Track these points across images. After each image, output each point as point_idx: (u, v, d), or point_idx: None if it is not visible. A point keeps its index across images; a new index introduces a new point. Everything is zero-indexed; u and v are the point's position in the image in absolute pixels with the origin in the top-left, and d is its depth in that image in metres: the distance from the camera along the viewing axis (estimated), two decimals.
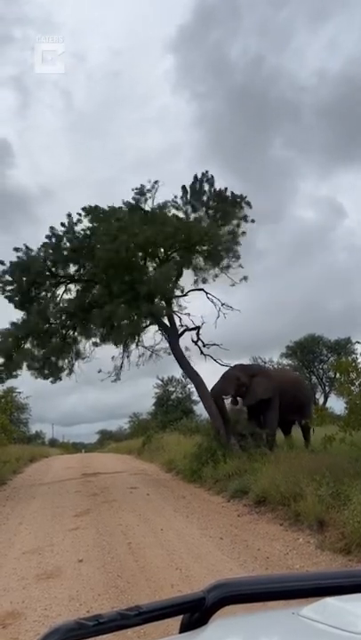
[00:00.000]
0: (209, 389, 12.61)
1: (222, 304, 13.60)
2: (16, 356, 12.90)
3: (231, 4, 42.36)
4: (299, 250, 55.86)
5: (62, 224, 12.95)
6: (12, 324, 12.93)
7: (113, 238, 11.88)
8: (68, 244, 12.90)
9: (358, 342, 12.00)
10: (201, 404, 13.65)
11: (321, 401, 31.50)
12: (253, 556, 5.77)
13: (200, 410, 13.85)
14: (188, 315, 13.57)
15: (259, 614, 1.00)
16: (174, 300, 13.59)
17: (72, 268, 13.17)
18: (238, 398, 12.47)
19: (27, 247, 12.84)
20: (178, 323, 13.60)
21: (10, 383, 16.46)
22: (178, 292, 13.62)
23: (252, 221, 13.57)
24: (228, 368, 12.67)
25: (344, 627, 0.77)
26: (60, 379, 13.61)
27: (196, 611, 0.88)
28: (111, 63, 51.48)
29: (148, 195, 13.29)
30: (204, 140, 56.88)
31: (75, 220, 13.02)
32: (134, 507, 9.10)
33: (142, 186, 13.33)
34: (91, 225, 12.96)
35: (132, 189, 13.32)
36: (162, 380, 29.23)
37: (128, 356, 13.77)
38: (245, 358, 30.21)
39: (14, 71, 49.02)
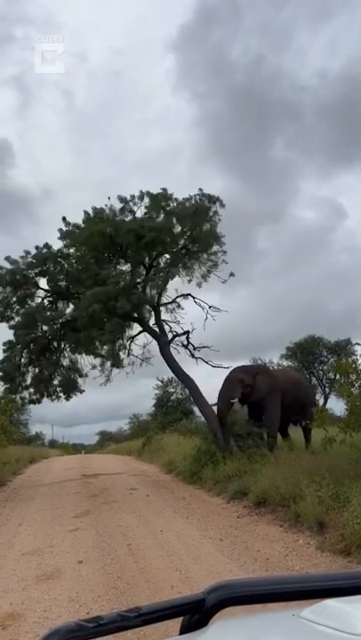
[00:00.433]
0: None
1: (210, 307, 13.91)
2: (18, 378, 13.11)
3: (232, 4, 42.45)
4: (299, 250, 55.94)
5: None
6: (7, 342, 13.08)
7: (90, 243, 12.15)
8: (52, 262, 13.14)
9: (358, 344, 12.02)
10: (207, 402, 13.72)
11: (321, 402, 31.50)
12: (253, 558, 5.76)
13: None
14: (178, 322, 13.88)
15: (259, 616, 1.00)
16: (162, 308, 13.85)
17: (45, 283, 13.42)
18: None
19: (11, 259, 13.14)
20: (168, 329, 13.88)
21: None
22: (166, 299, 13.93)
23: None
24: (229, 371, 12.62)
25: (344, 628, 0.77)
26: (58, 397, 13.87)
27: (196, 612, 0.88)
28: (112, 63, 51.59)
29: (132, 204, 13.42)
30: (205, 140, 57.05)
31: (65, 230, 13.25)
32: (134, 508, 9.09)
33: (124, 197, 13.46)
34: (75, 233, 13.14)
35: (118, 197, 13.46)
36: (162, 382, 29.22)
37: (119, 365, 13.93)
38: (245, 359, 30.25)
39: (15, 71, 49.11)
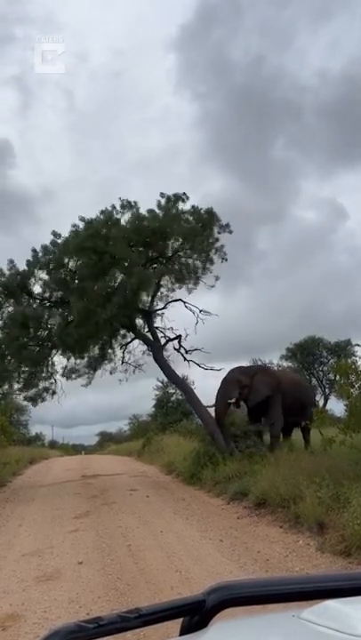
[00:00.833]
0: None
1: (200, 310, 14.08)
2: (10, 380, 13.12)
3: (233, 4, 42.48)
4: (299, 251, 55.90)
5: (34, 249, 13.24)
6: None
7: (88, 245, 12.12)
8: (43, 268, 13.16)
9: (358, 345, 12.05)
10: (203, 404, 13.79)
11: (321, 403, 31.49)
12: (253, 559, 5.76)
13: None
14: (171, 328, 14.03)
15: (259, 617, 1.00)
16: (154, 315, 13.98)
17: (40, 289, 13.47)
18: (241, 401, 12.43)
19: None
20: (161, 335, 14.02)
21: None
22: (158, 305, 14.10)
23: (230, 232, 13.75)
24: (227, 372, 12.64)
25: (344, 629, 0.77)
26: (44, 399, 13.82)
27: (196, 613, 0.88)
28: (113, 63, 51.63)
29: (121, 210, 13.49)
30: (205, 140, 57.09)
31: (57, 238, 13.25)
32: (134, 509, 9.09)
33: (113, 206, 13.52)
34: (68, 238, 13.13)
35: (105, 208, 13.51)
36: (162, 382, 29.18)
37: (99, 366, 14.06)
38: (245, 360, 30.24)
39: (16, 71, 49.13)
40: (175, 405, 28.79)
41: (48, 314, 13.27)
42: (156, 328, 13.99)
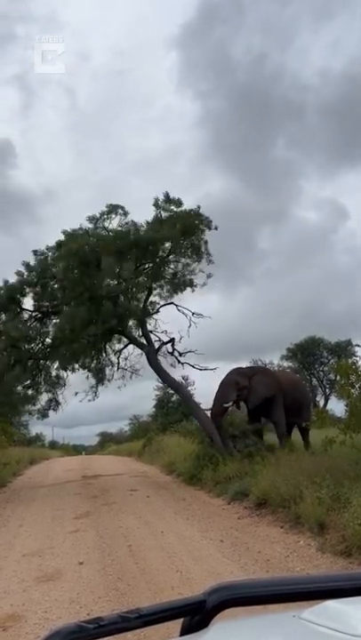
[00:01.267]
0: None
1: (193, 313, 14.16)
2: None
3: (235, 2, 42.45)
4: (300, 251, 55.80)
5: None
6: None
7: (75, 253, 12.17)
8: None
9: (359, 345, 12.06)
10: (199, 406, 13.85)
11: (322, 403, 31.50)
12: (254, 559, 5.76)
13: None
14: (165, 331, 14.13)
15: (259, 617, 1.00)
16: (148, 319, 14.04)
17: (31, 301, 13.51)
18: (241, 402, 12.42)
19: None
20: (156, 339, 14.10)
21: None
22: (151, 310, 14.15)
23: (213, 228, 13.74)
24: (225, 374, 12.61)
25: (345, 630, 0.77)
26: (47, 415, 13.98)
27: (197, 613, 0.88)
28: (114, 62, 51.59)
29: (107, 217, 13.54)
30: (206, 139, 57.03)
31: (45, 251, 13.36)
32: (134, 509, 9.09)
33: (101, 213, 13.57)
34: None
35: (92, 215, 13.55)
36: (162, 383, 29.17)
37: (102, 380, 14.10)
38: (246, 360, 30.23)
39: (17, 70, 48.96)
40: (176, 406, 28.78)
41: (40, 328, 13.32)
42: (150, 332, 14.03)
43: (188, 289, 13.80)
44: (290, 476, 7.72)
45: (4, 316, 13.20)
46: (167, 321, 14.23)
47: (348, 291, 49.37)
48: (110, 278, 12.72)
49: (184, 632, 0.89)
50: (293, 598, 0.94)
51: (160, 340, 14.07)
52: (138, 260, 13.30)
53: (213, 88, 49.93)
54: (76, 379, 14.56)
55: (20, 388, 13.17)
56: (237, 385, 11.96)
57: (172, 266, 13.83)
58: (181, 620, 0.90)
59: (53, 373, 13.76)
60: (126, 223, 13.43)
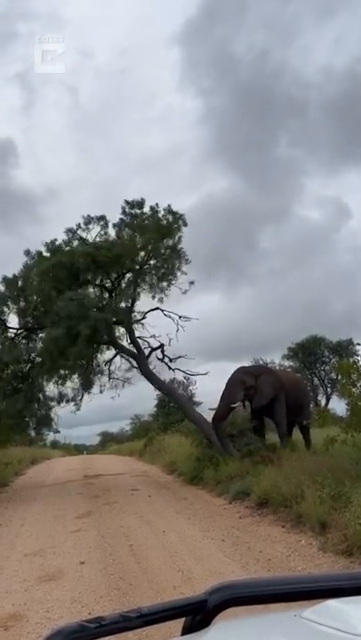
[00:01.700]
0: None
1: (180, 317, 14.15)
2: None
3: None
4: (302, 250, 55.51)
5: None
6: None
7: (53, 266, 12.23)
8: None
9: (360, 344, 12.04)
10: (194, 408, 13.93)
11: (323, 402, 31.46)
12: (255, 558, 5.76)
13: (201, 412, 13.99)
14: (154, 336, 14.10)
15: (261, 616, 1.00)
16: (135, 326, 14.04)
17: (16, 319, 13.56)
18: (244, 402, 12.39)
19: None
20: (145, 345, 14.07)
21: None
22: (137, 317, 14.16)
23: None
24: (232, 373, 12.56)
25: (346, 629, 0.77)
26: (58, 431, 14.40)
27: (198, 613, 0.88)
28: (116, 60, 51.24)
29: (85, 228, 13.56)
30: (208, 137, 56.78)
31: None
32: (136, 509, 9.09)
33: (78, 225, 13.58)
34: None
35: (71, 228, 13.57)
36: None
37: (88, 390, 14.16)
38: (247, 359, 30.22)
39: (19, 68, 48.74)
40: (177, 405, 28.77)
41: (27, 344, 13.33)
42: (138, 338, 13.97)
43: (177, 291, 13.85)
44: (291, 475, 7.72)
45: None
46: (154, 324, 14.22)
47: (350, 290, 49.17)
48: (95, 287, 12.76)
49: (185, 631, 0.89)
50: (295, 598, 0.95)
51: (150, 347, 14.04)
52: (119, 271, 13.37)
53: (215, 86, 49.76)
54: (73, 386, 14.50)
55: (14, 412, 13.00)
56: (244, 384, 11.87)
57: (153, 271, 13.84)
58: (183, 619, 0.90)
59: (48, 392, 13.78)
60: (105, 234, 13.52)
